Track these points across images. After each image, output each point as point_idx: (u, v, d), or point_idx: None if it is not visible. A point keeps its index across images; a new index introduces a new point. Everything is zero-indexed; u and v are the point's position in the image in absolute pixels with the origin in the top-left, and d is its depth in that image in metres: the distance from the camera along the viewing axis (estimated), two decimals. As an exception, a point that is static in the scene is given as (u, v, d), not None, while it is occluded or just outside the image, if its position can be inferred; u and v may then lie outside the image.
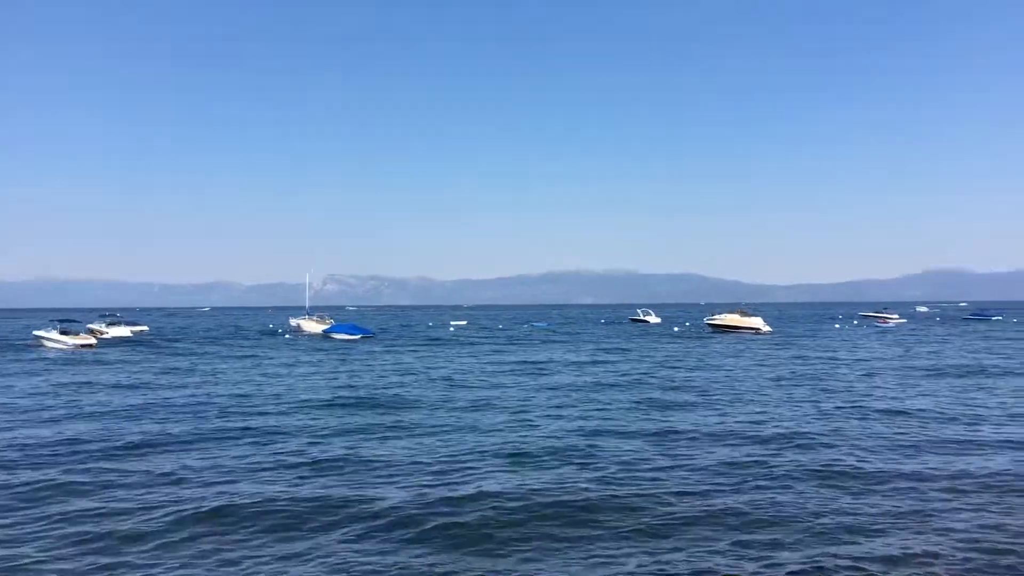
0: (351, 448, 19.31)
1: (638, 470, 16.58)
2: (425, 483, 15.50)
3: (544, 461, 17.55)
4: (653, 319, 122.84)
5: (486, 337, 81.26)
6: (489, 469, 16.83)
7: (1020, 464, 16.94)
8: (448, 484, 15.42)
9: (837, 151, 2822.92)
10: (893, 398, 28.39)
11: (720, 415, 24.31)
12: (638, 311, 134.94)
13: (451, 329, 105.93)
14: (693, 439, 20.12)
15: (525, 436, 20.79)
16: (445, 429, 22.16)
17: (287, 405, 27.58)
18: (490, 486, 15.10)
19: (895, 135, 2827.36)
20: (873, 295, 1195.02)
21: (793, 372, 38.94)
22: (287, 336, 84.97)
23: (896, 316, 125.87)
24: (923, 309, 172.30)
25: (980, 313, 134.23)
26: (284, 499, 14.34)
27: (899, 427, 21.76)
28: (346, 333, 77.79)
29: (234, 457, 18.43)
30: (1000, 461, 17.23)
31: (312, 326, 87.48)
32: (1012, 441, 19.61)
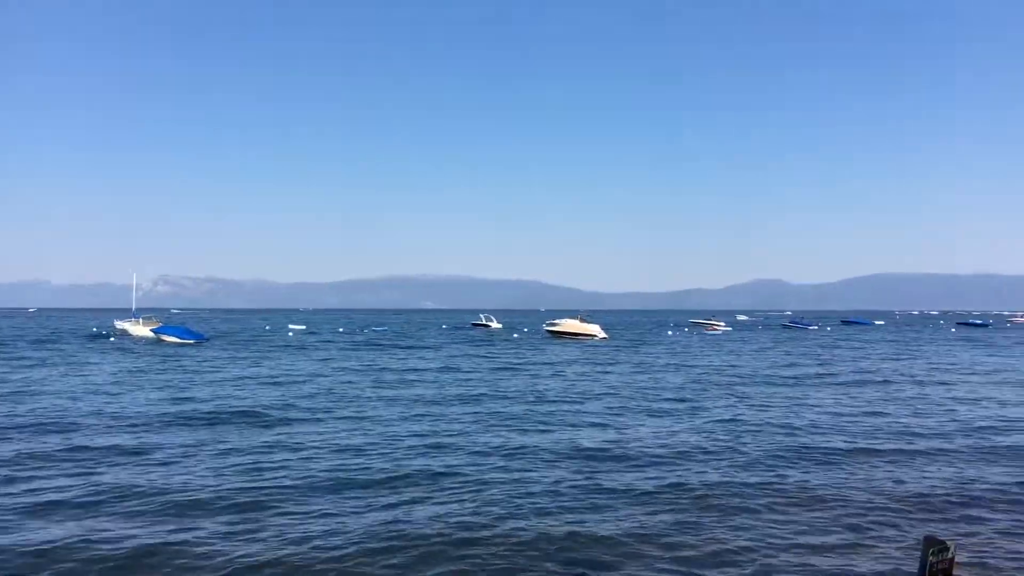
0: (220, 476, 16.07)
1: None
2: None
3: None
4: (495, 325, 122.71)
5: (325, 342, 77.68)
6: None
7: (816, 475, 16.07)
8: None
9: (671, 166, 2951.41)
10: (726, 406, 27.86)
11: (568, 426, 22.70)
12: (480, 316, 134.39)
13: (289, 334, 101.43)
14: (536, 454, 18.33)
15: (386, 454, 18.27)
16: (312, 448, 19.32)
17: (113, 421, 23.60)
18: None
19: (731, 153, 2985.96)
20: (702, 303, 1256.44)
21: (630, 380, 38.19)
22: (112, 339, 78.47)
23: (723, 324, 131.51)
24: (743, 318, 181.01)
25: (798, 322, 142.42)
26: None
27: (720, 436, 20.81)
28: (176, 336, 72.59)
29: (37, 491, 14.97)
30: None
31: (140, 329, 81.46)
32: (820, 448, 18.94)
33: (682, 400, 29.87)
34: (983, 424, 24.03)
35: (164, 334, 73.68)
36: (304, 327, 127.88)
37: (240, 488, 15.01)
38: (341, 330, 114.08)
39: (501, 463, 17.67)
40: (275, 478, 15.98)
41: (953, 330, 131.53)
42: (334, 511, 13.48)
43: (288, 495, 14.56)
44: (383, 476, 16.16)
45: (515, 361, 51.10)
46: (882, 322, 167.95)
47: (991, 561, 11.22)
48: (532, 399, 30.14)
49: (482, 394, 31.76)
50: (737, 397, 30.97)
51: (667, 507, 13.89)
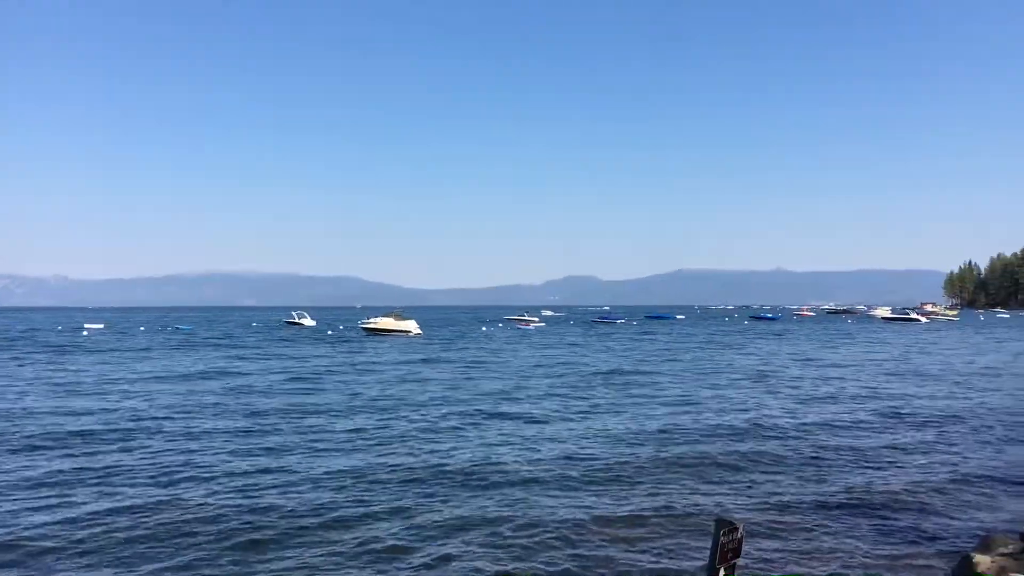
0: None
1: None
2: None
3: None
4: (308, 322, 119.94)
5: (122, 341, 72.74)
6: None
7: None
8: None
9: (491, 164, 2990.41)
10: (531, 402, 28.33)
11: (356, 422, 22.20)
12: (292, 314, 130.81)
13: (84, 333, 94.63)
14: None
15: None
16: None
17: None
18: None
19: (550, 154, 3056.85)
20: (521, 299, 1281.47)
21: (426, 378, 38.18)
22: None
23: (536, 319, 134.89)
24: (548, 313, 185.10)
25: (607, 317, 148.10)
26: None
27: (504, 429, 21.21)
28: None
29: None
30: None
31: None
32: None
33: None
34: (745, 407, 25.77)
35: None
36: (102, 325, 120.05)
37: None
38: (143, 328, 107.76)
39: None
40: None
41: (746, 322, 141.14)
42: None
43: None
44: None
45: (317, 363, 49.74)
46: (683, 316, 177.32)
47: (781, 534, 11.98)
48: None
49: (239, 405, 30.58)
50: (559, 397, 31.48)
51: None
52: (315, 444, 19.58)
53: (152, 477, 15.99)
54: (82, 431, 21.46)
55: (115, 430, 21.63)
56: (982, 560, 8.82)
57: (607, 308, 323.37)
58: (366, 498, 14.24)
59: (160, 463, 17.34)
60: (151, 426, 22.42)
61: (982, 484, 15.58)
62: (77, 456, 18.17)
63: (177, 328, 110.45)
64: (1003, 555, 9.12)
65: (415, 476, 16.02)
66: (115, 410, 25.82)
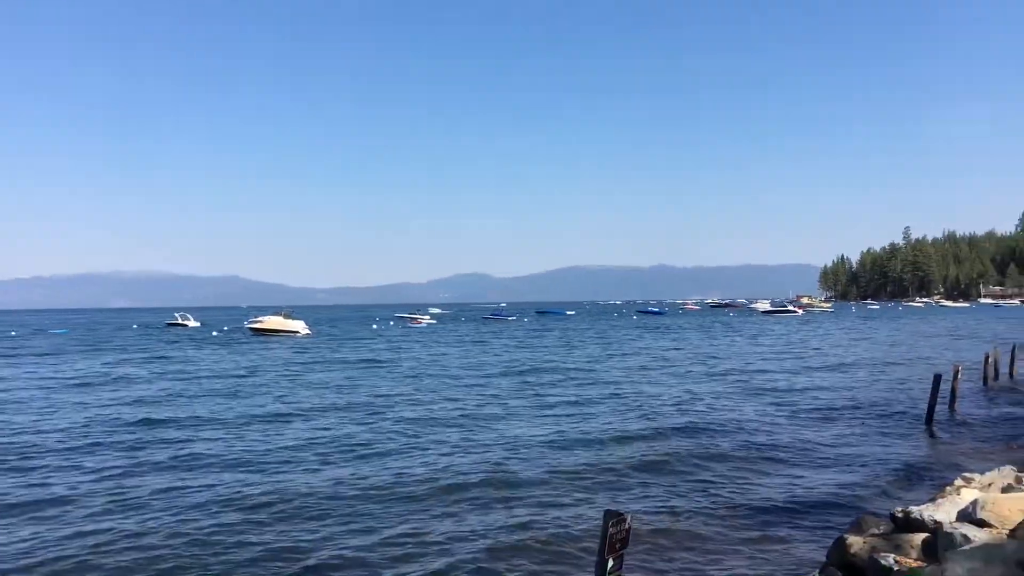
0: None
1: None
2: None
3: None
4: (192, 323, 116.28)
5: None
6: None
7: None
8: None
9: (366, 160, 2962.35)
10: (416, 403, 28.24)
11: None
12: (176, 315, 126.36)
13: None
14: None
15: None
16: None
17: None
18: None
19: (438, 150, 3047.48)
20: (409, 297, 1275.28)
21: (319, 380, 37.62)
22: None
23: (427, 317, 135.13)
24: (436, 310, 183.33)
25: (498, 314, 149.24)
26: None
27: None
28: None
29: None
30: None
31: None
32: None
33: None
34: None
35: None
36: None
37: None
38: (14, 334, 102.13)
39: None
40: None
41: (634, 317, 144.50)
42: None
43: None
44: None
45: (200, 365, 48.28)
46: (573, 312, 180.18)
47: (665, 526, 12.29)
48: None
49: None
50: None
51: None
52: (197, 462, 18.48)
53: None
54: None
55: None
56: (855, 541, 9.24)
57: (504, 304, 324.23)
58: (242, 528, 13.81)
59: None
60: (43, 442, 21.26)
61: (860, 470, 16.40)
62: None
63: (52, 332, 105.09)
64: (874, 535, 9.59)
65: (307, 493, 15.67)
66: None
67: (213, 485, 15.26)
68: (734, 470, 16.44)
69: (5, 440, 20.62)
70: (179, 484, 15.40)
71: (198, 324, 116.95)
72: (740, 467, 16.70)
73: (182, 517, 13.05)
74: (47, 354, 58.93)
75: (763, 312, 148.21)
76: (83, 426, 22.92)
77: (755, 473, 16.16)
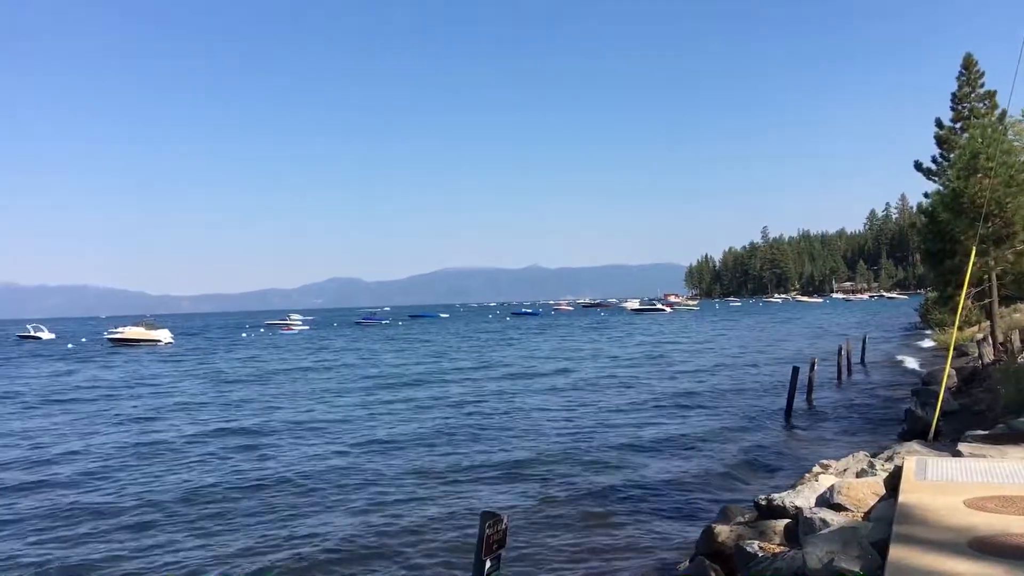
0: None
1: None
2: None
3: None
4: (46, 335, 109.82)
5: None
6: None
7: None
8: None
9: (221, 163, 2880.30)
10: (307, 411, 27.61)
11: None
12: (28, 327, 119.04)
13: None
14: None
15: None
16: None
17: None
18: None
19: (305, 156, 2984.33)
20: (278, 303, 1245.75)
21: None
22: None
23: (299, 323, 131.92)
24: (304, 318, 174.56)
25: (370, 317, 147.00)
26: None
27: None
28: None
29: None
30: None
31: None
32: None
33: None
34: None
35: None
36: None
37: None
38: None
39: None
40: None
41: (508, 318, 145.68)
42: None
43: None
44: None
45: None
46: (447, 315, 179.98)
47: (534, 532, 12.37)
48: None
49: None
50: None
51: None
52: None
53: None
54: None
55: None
56: (722, 530, 9.57)
57: (388, 308, 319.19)
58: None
59: None
60: None
61: (725, 460, 17.02)
62: None
63: None
64: (740, 523, 9.96)
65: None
66: None
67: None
68: (602, 466, 16.75)
69: None
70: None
71: (52, 336, 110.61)
72: (609, 462, 17.04)
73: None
74: None
75: (632, 310, 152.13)
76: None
77: (624, 467, 16.50)
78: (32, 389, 38.08)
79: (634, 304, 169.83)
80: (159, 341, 77.99)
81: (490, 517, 6.26)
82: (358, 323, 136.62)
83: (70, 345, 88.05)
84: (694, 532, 11.17)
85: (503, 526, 6.33)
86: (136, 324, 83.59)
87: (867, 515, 8.44)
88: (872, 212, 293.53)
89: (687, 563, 9.78)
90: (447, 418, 24.11)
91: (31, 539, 12.65)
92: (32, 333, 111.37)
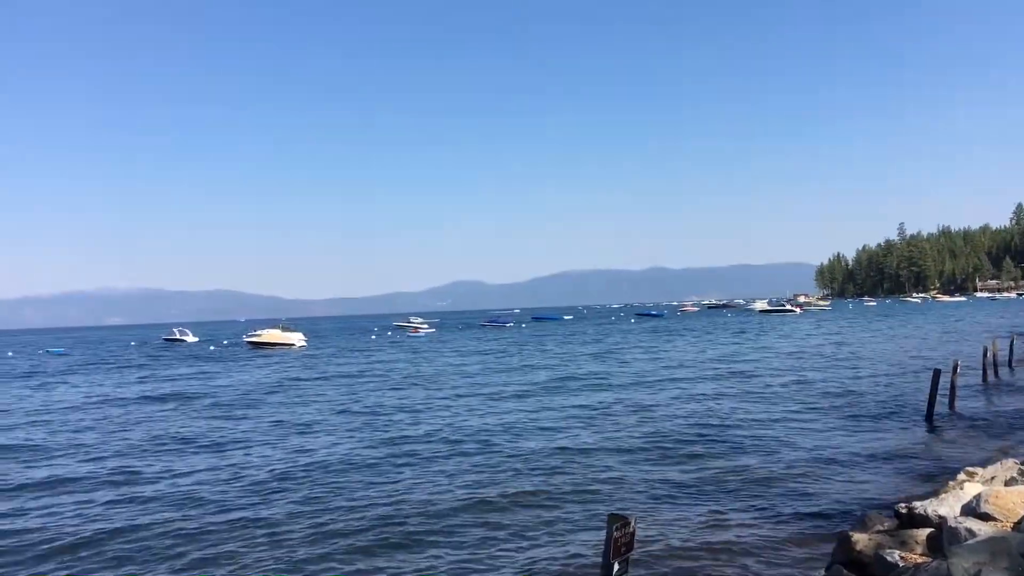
0: None
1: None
2: None
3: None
4: (190, 338, 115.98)
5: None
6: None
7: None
8: None
9: (352, 171, 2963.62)
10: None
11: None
12: (173, 330, 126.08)
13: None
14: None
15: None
16: None
17: None
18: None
19: (426, 160, 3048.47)
20: (405, 306, 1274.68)
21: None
22: None
23: (426, 325, 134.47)
24: (424, 322, 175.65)
25: (495, 320, 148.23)
26: None
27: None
28: None
29: None
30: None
31: None
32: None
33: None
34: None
35: None
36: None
37: None
38: (11, 354, 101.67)
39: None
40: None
41: (632, 320, 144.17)
42: None
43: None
44: None
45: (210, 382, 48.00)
46: (570, 317, 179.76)
47: (667, 531, 12.27)
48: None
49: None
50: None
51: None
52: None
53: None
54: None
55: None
56: (860, 539, 9.25)
57: (518, 310, 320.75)
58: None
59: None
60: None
61: (863, 466, 16.42)
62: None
63: (48, 351, 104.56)
64: (879, 532, 9.61)
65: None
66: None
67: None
68: (737, 469, 16.44)
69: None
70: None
71: (196, 339, 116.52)
72: (743, 465, 16.71)
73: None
74: (66, 373, 58.58)
75: (760, 311, 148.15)
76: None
77: (758, 471, 16.15)
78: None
79: (762, 304, 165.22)
80: (293, 344, 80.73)
81: (617, 519, 6.26)
82: (482, 325, 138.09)
83: (212, 348, 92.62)
84: (830, 539, 10.86)
85: (631, 529, 6.32)
86: (272, 327, 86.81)
87: (1017, 525, 8.02)
88: (1019, 206, 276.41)
89: (823, 571, 9.53)
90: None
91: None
92: (177, 336, 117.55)
